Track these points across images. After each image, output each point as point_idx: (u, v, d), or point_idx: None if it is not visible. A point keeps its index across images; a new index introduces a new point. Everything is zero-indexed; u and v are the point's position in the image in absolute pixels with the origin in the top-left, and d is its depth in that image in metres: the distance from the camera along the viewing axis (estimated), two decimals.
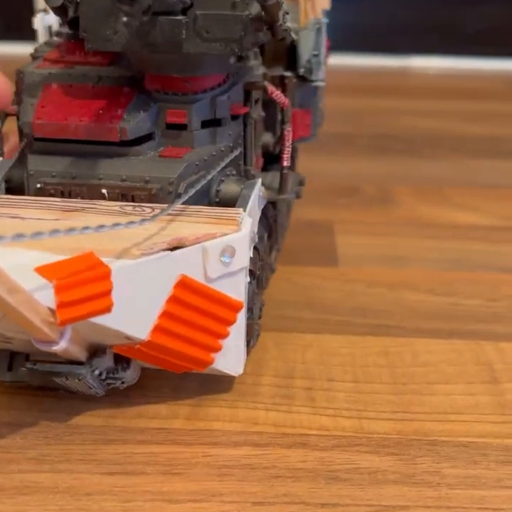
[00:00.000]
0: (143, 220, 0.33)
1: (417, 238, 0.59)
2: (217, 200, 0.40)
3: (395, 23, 1.15)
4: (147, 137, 0.39)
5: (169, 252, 0.33)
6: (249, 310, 0.39)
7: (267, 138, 0.47)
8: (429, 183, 0.70)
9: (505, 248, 0.58)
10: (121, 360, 0.36)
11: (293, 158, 0.60)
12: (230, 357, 0.37)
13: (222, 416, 0.38)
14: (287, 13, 0.41)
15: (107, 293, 0.30)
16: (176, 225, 0.35)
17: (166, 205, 0.36)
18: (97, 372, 0.34)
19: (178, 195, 0.37)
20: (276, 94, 0.43)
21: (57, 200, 0.37)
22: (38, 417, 0.37)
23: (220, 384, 0.40)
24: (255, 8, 0.37)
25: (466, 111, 0.96)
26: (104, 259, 0.30)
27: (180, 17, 0.37)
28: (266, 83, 0.42)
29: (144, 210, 0.36)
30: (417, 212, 0.64)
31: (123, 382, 0.36)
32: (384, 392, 0.40)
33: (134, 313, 0.32)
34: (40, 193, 0.38)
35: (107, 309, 0.30)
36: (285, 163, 0.44)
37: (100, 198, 0.38)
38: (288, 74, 0.47)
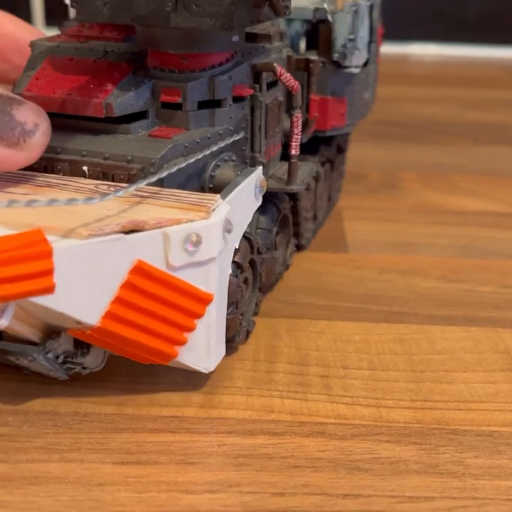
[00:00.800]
0: (89, 198, 0.31)
1: (425, 224, 0.58)
2: (211, 185, 0.38)
3: (395, 9, 1.14)
4: (139, 115, 0.38)
5: (123, 235, 0.31)
6: (233, 304, 0.37)
7: (289, 125, 0.45)
8: (435, 170, 0.69)
9: None
10: (82, 345, 0.34)
11: (341, 149, 0.57)
12: (198, 352, 0.35)
13: (236, 404, 0.37)
14: None
15: (48, 273, 0.28)
16: (141, 208, 0.33)
17: (148, 187, 0.34)
18: (50, 354, 0.33)
19: (166, 177, 0.35)
20: (285, 76, 0.40)
21: (36, 175, 0.36)
22: (46, 405, 0.36)
23: (232, 371, 0.39)
24: None
25: (469, 98, 0.95)
26: (49, 238, 0.28)
27: None
28: (274, 64, 0.40)
29: (117, 191, 0.34)
30: (424, 199, 0.63)
31: (84, 368, 0.35)
32: (402, 380, 0.39)
33: (81, 297, 0.30)
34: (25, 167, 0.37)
35: (48, 290, 0.28)
36: (293, 152, 0.42)
37: (81, 176, 0.36)
38: (313, 57, 0.45)
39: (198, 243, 0.32)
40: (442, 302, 0.47)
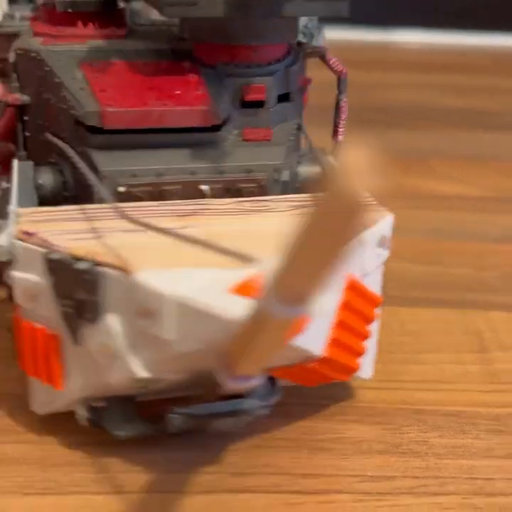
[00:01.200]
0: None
1: (400, 208, 0.57)
2: (297, 185, 0.35)
3: None
4: (225, 120, 0.34)
5: None
6: None
7: None
8: (412, 155, 0.69)
9: (490, 218, 0.56)
10: (271, 383, 0.31)
11: None
12: (367, 359, 0.33)
13: None
14: None
15: None
16: None
17: (292, 195, 0.32)
18: (266, 401, 0.30)
19: (284, 183, 0.33)
20: (334, 61, 0.38)
21: (156, 205, 0.31)
22: (3, 387, 0.35)
23: None
24: None
25: (450, 84, 0.94)
26: None
27: None
28: (324, 49, 0.37)
29: (267, 206, 0.31)
30: (402, 183, 0.62)
31: (268, 408, 0.31)
32: None
33: (313, 327, 0.27)
34: (126, 197, 0.32)
35: (302, 327, 0.25)
36: (340, 138, 0.39)
37: (199, 196, 0.32)
38: (304, 40, 0.44)
39: (386, 244, 0.30)
40: (415, 284, 0.46)
